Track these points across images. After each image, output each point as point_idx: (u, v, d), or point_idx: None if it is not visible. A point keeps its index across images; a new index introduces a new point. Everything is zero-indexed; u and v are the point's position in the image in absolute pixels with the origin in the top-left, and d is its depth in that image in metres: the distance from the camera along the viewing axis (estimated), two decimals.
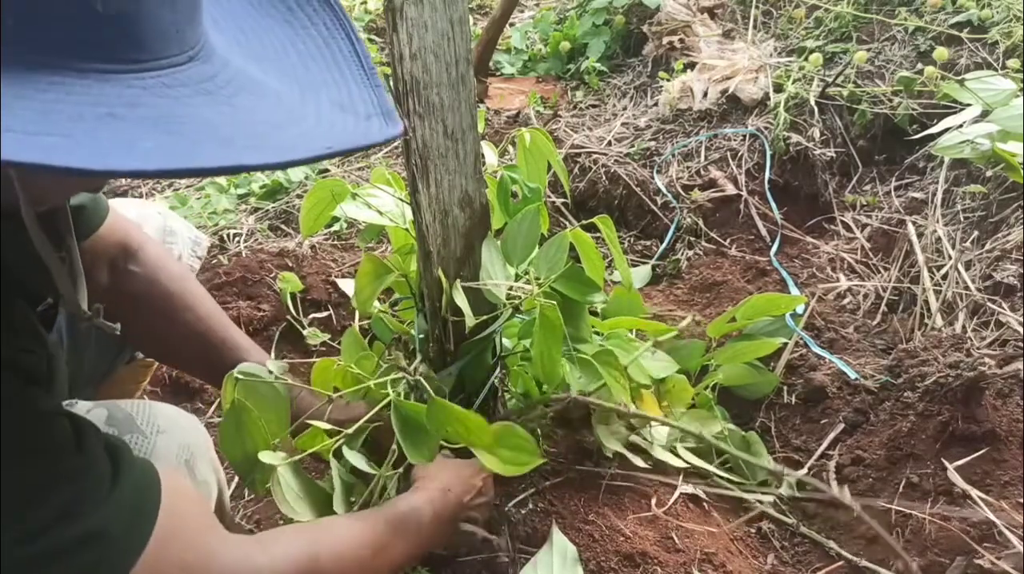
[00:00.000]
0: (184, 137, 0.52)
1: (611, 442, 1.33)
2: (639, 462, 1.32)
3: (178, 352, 1.20)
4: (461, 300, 1.12)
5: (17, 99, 0.48)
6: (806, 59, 2.52)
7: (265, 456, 1.01)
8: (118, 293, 1.10)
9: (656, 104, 2.68)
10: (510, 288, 1.18)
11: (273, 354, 1.78)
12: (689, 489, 1.34)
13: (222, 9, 0.66)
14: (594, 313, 1.64)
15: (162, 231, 1.30)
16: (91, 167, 0.47)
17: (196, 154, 0.51)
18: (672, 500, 1.29)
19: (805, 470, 1.45)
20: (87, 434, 0.71)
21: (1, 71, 0.49)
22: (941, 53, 2.29)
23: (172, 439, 0.96)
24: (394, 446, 1.08)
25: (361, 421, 1.08)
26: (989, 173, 1.94)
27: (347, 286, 1.92)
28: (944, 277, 1.77)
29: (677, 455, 1.38)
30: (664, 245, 2.16)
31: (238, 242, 2.22)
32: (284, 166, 0.58)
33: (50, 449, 0.67)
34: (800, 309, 1.72)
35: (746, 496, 1.41)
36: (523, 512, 1.26)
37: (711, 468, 1.39)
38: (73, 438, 0.69)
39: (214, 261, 2.10)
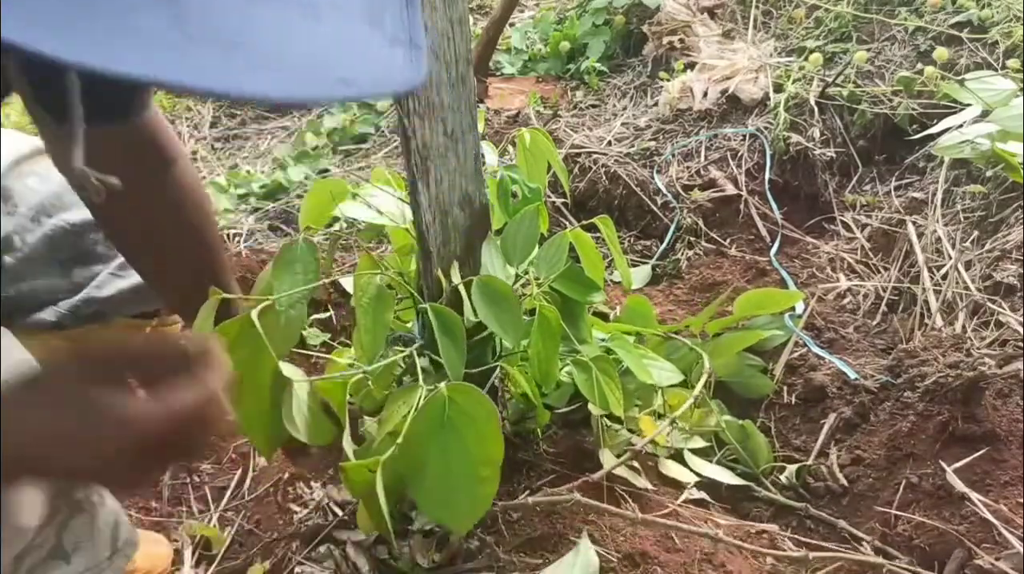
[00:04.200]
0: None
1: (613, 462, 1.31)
2: (642, 482, 1.29)
3: (174, 279, 1.15)
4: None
5: None
6: (806, 59, 2.52)
7: (287, 369, 1.02)
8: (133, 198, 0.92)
9: (656, 104, 2.68)
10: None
11: None
12: (695, 494, 1.33)
13: None
14: (603, 315, 1.65)
15: None
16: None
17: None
18: (678, 502, 1.29)
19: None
20: None
21: None
22: (941, 53, 2.29)
23: None
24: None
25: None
26: (989, 173, 1.94)
27: (348, 283, 1.91)
28: (944, 277, 1.77)
29: (684, 464, 1.37)
30: (664, 245, 2.16)
31: (238, 242, 2.22)
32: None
33: None
34: (800, 309, 1.72)
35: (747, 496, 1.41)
36: (521, 511, 1.25)
37: (717, 473, 1.39)
38: None
39: None
